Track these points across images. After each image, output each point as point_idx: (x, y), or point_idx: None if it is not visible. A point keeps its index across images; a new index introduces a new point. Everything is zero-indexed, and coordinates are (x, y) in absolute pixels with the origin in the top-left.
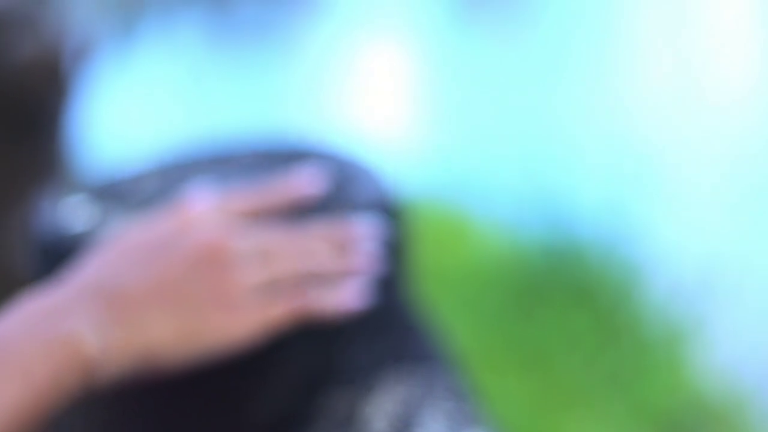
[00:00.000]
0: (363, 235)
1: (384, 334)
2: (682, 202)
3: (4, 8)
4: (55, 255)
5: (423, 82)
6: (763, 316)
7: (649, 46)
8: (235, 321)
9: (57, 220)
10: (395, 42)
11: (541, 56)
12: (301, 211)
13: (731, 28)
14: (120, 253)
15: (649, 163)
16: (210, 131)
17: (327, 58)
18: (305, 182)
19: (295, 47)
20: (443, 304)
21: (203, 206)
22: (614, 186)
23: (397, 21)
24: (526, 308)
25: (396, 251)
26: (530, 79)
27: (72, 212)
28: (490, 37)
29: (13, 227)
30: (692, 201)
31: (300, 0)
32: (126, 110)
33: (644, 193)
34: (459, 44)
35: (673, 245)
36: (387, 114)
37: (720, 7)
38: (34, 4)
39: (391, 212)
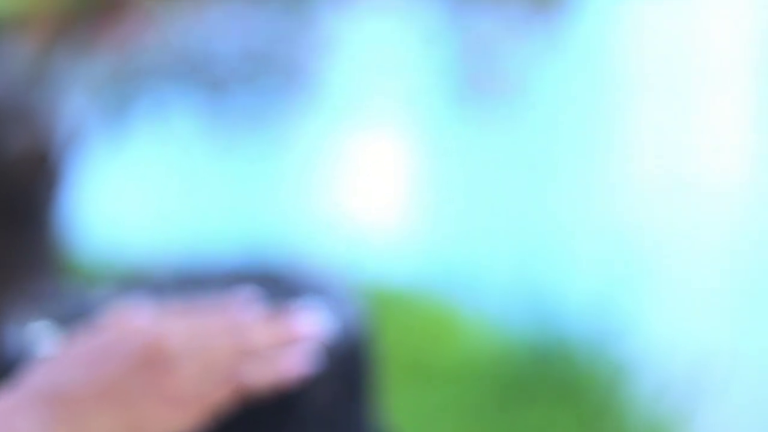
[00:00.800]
0: (298, 311)
1: None
2: (671, 299)
3: None
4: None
5: (414, 175)
6: (751, 415)
7: (641, 139)
8: (177, 413)
9: (22, 344)
10: (387, 134)
11: (532, 151)
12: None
13: (724, 121)
14: (64, 360)
15: (639, 259)
16: (201, 221)
17: (320, 147)
18: (242, 306)
19: (289, 134)
20: (428, 398)
21: (139, 314)
22: (603, 282)
23: (390, 111)
24: (512, 406)
25: (359, 386)
26: (520, 173)
27: (38, 336)
28: (480, 133)
29: (2, 315)
30: (681, 298)
31: (295, 87)
32: (118, 196)
33: (633, 290)
34: (449, 139)
35: (662, 342)
36: (378, 205)
37: (712, 96)
38: (25, 94)
39: (351, 351)
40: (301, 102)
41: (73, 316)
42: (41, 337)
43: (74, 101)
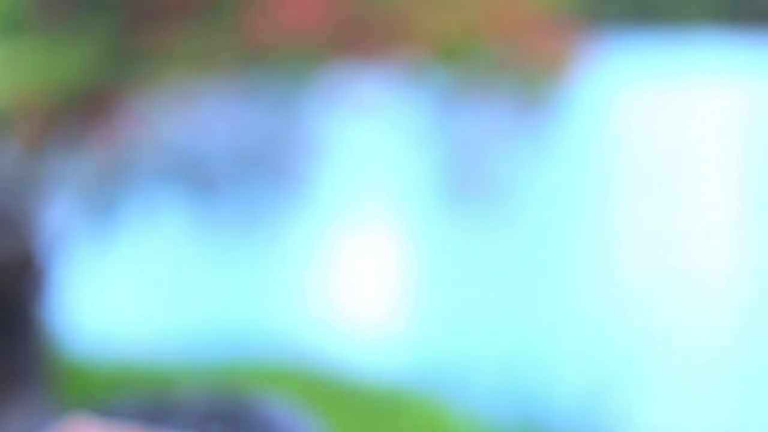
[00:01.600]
0: None
1: None
2: (662, 395)
3: None
4: None
5: (403, 275)
6: None
7: (631, 237)
8: None
9: None
10: (377, 233)
11: (521, 250)
12: None
13: (713, 216)
14: None
15: (629, 356)
16: (191, 319)
17: (310, 246)
18: None
19: (280, 233)
20: None
21: (90, 428)
22: (593, 379)
23: (379, 211)
24: None
25: None
26: (509, 272)
27: None
28: (469, 232)
29: None
30: (671, 393)
31: (284, 186)
32: (107, 295)
33: (623, 386)
34: (438, 239)
35: None
36: (368, 303)
37: (704, 193)
38: (11, 195)
39: None
40: (291, 201)
41: None
42: None
43: (62, 200)
